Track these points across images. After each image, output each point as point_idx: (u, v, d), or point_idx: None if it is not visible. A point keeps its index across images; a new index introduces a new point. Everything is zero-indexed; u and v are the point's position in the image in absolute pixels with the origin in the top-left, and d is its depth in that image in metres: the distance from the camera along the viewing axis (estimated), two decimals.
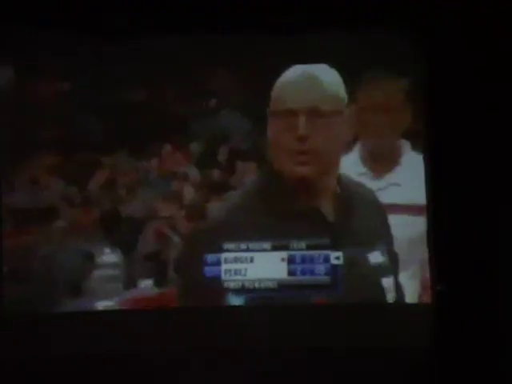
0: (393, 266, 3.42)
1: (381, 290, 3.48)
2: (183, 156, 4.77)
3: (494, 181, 3.84)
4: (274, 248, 3.39)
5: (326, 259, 3.41)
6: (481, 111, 3.81)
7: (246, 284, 3.44)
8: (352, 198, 3.14)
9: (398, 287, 3.56)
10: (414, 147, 3.69)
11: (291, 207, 3.01)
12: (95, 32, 4.34)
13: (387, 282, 3.56)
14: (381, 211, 3.32)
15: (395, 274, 3.46)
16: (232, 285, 3.37)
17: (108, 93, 4.69)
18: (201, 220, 4.59)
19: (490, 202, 3.83)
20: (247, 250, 3.39)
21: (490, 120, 3.81)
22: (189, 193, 4.76)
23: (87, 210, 4.74)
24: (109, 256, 4.74)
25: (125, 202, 4.76)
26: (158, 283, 4.50)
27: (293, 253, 3.41)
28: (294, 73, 2.99)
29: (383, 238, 3.34)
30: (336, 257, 3.41)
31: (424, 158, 3.82)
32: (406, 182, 3.49)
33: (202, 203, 4.70)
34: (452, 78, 3.82)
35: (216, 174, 4.76)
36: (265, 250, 3.39)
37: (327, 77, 2.95)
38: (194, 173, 4.74)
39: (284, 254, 3.44)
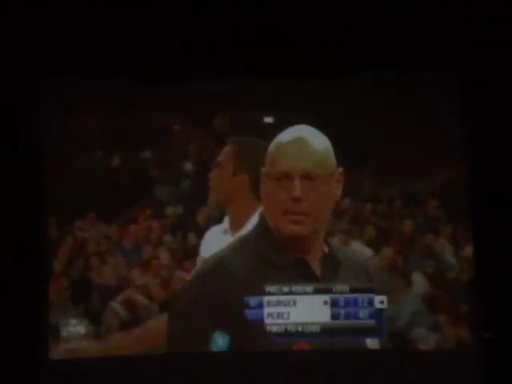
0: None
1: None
2: (158, 221, 4.62)
3: None
4: (317, 291, 3.32)
5: (371, 303, 3.38)
6: None
7: (289, 328, 3.33)
8: (340, 260, 3.20)
9: None
10: None
11: (282, 259, 3.02)
12: None
13: None
14: (369, 278, 3.39)
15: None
16: (275, 328, 3.25)
17: (82, 156, 4.53)
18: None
19: None
20: (290, 293, 3.30)
21: None
22: (164, 259, 4.61)
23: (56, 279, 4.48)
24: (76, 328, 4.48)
25: (96, 270, 4.53)
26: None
27: (336, 296, 3.36)
28: (289, 135, 3.06)
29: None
30: (380, 301, 3.39)
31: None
32: None
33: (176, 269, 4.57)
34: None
35: (191, 238, 4.64)
36: (307, 293, 3.31)
37: (319, 141, 3.05)
38: (168, 238, 4.60)
39: (327, 297, 3.38)
